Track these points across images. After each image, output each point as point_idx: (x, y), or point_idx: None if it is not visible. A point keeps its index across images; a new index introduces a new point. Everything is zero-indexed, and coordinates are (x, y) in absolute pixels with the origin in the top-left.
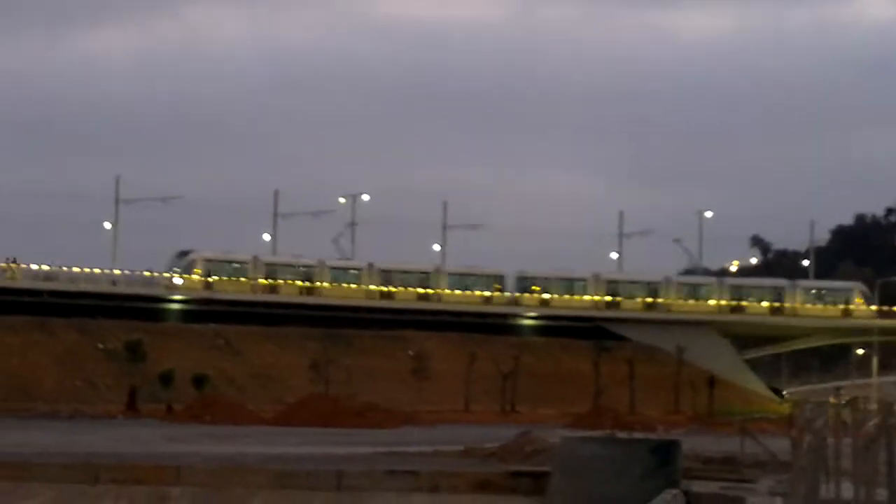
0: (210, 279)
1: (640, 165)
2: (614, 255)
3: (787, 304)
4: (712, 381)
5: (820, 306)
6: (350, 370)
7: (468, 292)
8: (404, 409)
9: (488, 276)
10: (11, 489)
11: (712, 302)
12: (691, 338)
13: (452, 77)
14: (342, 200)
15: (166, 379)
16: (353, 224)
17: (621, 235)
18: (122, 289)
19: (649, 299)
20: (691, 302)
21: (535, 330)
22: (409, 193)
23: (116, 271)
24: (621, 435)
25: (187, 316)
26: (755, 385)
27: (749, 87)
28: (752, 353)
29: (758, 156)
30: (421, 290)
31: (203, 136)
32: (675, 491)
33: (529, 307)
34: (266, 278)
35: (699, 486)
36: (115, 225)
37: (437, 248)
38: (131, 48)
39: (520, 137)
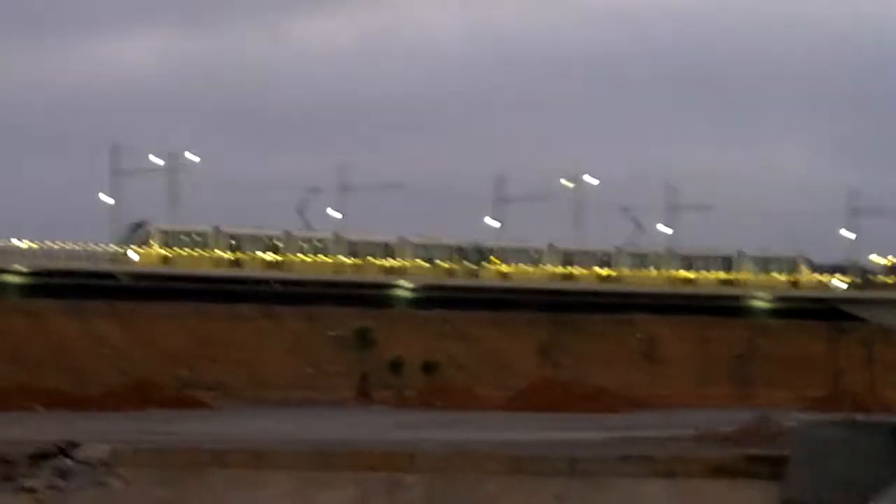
0: (422, 262)
1: (870, 143)
2: (845, 233)
3: None
4: None
5: None
6: (578, 354)
7: (702, 273)
8: (635, 393)
9: (451, 247)
10: (250, 478)
11: None
12: None
13: (672, 57)
14: (566, 183)
15: (396, 365)
16: (316, 190)
17: (852, 213)
18: (349, 276)
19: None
20: None
21: (768, 312)
22: (634, 175)
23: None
24: (861, 418)
25: (413, 302)
26: None
27: None
28: None
29: None
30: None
31: (423, 122)
32: None
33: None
34: (230, 250)
35: None
36: (342, 213)
37: (664, 228)
38: (349, 36)
39: (745, 116)
